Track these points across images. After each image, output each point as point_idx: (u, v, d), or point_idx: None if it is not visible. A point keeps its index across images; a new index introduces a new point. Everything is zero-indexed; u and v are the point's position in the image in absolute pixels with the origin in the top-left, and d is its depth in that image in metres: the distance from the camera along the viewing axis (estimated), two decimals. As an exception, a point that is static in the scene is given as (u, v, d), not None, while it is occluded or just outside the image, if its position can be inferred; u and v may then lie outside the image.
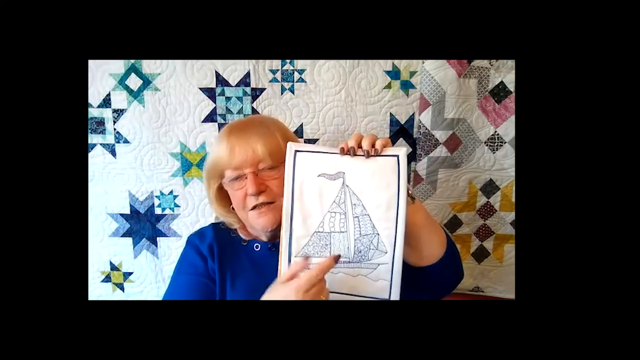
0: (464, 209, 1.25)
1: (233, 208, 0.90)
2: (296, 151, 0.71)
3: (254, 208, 0.84)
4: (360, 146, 0.71)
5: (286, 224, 0.70)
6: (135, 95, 1.14)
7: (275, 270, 0.88)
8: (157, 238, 1.25)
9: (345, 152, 0.70)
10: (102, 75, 1.13)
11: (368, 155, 0.69)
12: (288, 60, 1.13)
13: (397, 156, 0.70)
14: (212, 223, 1.00)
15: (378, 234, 0.70)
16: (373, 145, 0.71)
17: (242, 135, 0.83)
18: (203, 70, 1.13)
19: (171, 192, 1.22)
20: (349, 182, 0.69)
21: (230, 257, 0.90)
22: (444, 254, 0.79)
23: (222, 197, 0.90)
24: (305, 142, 1.18)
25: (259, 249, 0.91)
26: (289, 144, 0.72)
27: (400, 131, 1.18)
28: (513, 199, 1.23)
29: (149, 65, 1.13)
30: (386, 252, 0.70)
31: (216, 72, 1.13)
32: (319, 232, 0.70)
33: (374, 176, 0.69)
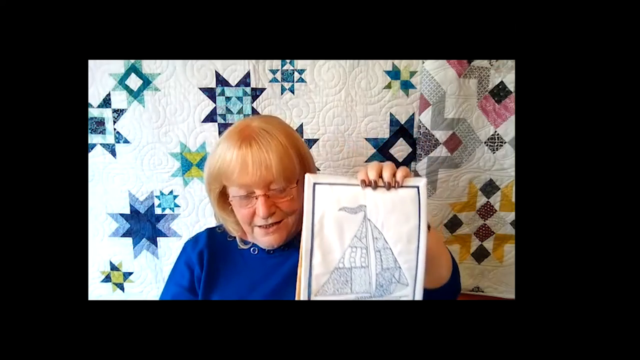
0: (464, 209, 1.25)
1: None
2: (315, 184, 0.67)
3: (260, 226, 0.82)
4: (380, 176, 0.68)
5: (305, 262, 0.67)
6: (135, 95, 1.15)
7: (273, 273, 0.88)
8: (157, 238, 1.26)
9: (366, 184, 0.67)
10: (102, 75, 1.13)
11: (389, 187, 0.67)
12: (288, 60, 1.13)
13: (417, 187, 0.68)
14: (208, 228, 0.99)
15: (400, 267, 0.68)
16: (394, 176, 0.68)
17: (255, 151, 0.77)
18: (203, 70, 1.13)
19: (171, 192, 1.22)
20: (370, 216, 0.67)
21: (223, 263, 0.90)
22: (450, 278, 0.79)
23: (225, 200, 0.86)
24: (305, 142, 1.18)
25: (256, 252, 0.90)
26: (307, 176, 0.67)
27: (400, 131, 1.18)
28: (513, 199, 1.23)
29: (149, 65, 1.13)
30: (407, 285, 0.68)
31: (216, 72, 1.13)
32: (339, 268, 0.67)
33: (395, 209, 0.67)
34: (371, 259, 0.67)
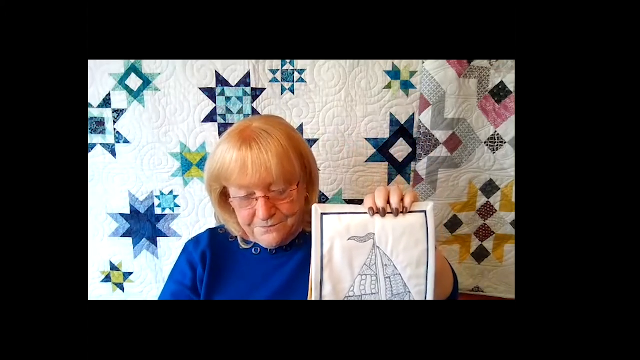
0: (464, 209, 1.25)
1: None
2: (322, 214, 0.67)
3: (260, 226, 0.82)
4: (388, 202, 0.68)
5: (316, 293, 0.67)
6: (135, 95, 1.15)
7: (275, 273, 0.88)
8: (157, 238, 1.26)
9: (375, 212, 0.67)
10: (102, 75, 1.14)
11: (397, 213, 0.67)
12: (288, 60, 1.13)
13: (425, 212, 0.68)
14: (210, 228, 0.99)
15: (409, 292, 0.68)
16: (402, 201, 0.68)
17: (254, 152, 0.76)
18: (203, 70, 1.13)
19: (171, 192, 1.22)
20: (380, 243, 0.67)
21: (225, 263, 0.89)
22: (450, 293, 0.80)
23: (226, 200, 0.86)
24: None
25: (258, 252, 0.90)
26: (314, 207, 0.67)
27: (400, 131, 1.18)
28: (513, 199, 1.23)
29: (149, 65, 1.13)
30: None
31: (216, 72, 1.13)
32: (349, 297, 0.68)
33: (404, 235, 0.67)
34: (381, 285, 0.68)
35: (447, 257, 1.13)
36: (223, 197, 0.86)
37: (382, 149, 1.19)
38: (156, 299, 1.27)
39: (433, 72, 1.12)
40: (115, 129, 1.17)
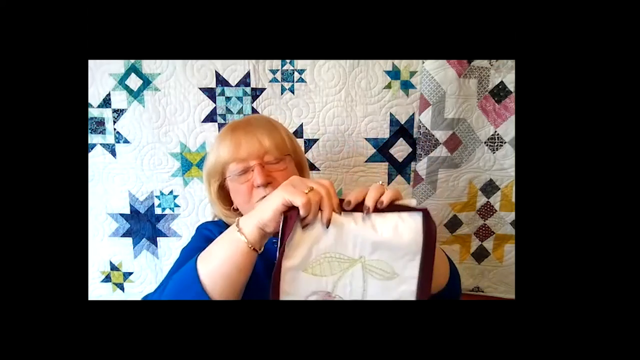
0: (464, 209, 1.25)
1: (234, 209, 0.89)
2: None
3: (260, 200, 0.83)
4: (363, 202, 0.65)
5: None
6: (135, 95, 1.15)
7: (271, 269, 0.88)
8: (157, 238, 1.26)
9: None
10: (102, 75, 1.14)
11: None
12: (288, 60, 1.13)
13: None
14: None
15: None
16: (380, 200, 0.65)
17: (247, 130, 0.85)
18: (203, 70, 1.13)
19: (171, 192, 1.22)
20: None
21: None
22: (446, 284, 0.80)
23: (224, 196, 0.90)
24: (305, 142, 1.18)
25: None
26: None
27: (400, 131, 1.18)
28: (513, 199, 1.23)
29: (149, 65, 1.13)
30: None
31: (216, 72, 1.13)
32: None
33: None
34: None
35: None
36: (222, 192, 0.90)
37: (382, 149, 1.19)
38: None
39: (433, 72, 1.12)
40: (115, 129, 1.17)
